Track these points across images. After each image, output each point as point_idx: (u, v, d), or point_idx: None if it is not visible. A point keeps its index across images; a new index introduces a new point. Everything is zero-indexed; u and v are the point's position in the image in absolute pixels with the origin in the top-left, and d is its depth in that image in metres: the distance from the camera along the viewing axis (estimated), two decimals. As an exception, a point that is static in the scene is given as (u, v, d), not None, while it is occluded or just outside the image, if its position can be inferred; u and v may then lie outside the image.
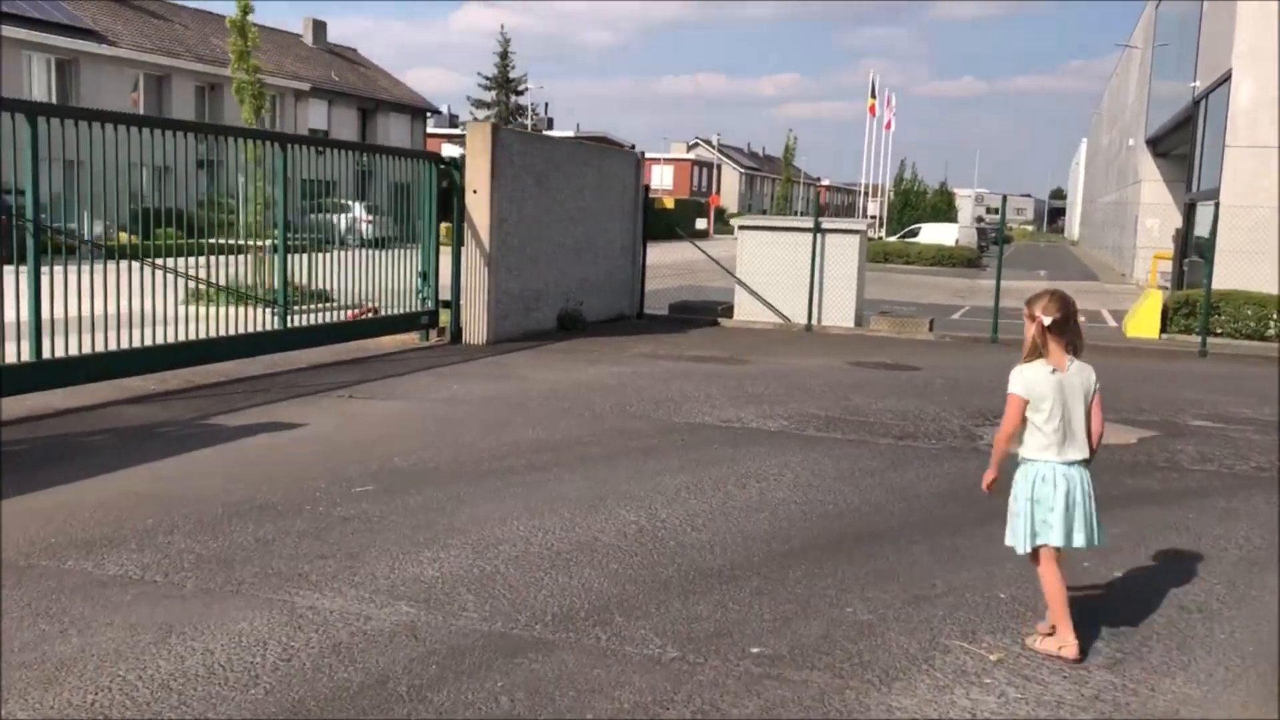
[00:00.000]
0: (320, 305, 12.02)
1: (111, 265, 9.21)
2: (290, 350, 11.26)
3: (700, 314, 17.28)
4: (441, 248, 13.49)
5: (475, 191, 13.10)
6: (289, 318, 11.27)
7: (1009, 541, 4.41)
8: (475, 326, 13.30)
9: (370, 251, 12.41)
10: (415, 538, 5.48)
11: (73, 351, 8.72)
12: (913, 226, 52.71)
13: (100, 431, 7.82)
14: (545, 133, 47.53)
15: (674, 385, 10.62)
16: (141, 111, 36.95)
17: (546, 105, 79.90)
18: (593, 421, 8.70)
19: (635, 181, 17.51)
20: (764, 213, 77.05)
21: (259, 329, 10.85)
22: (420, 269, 13.24)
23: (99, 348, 8.95)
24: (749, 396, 10.12)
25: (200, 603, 4.51)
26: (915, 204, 63.84)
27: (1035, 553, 4.35)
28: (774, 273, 16.67)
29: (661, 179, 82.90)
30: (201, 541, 5.30)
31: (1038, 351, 4.28)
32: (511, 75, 64.08)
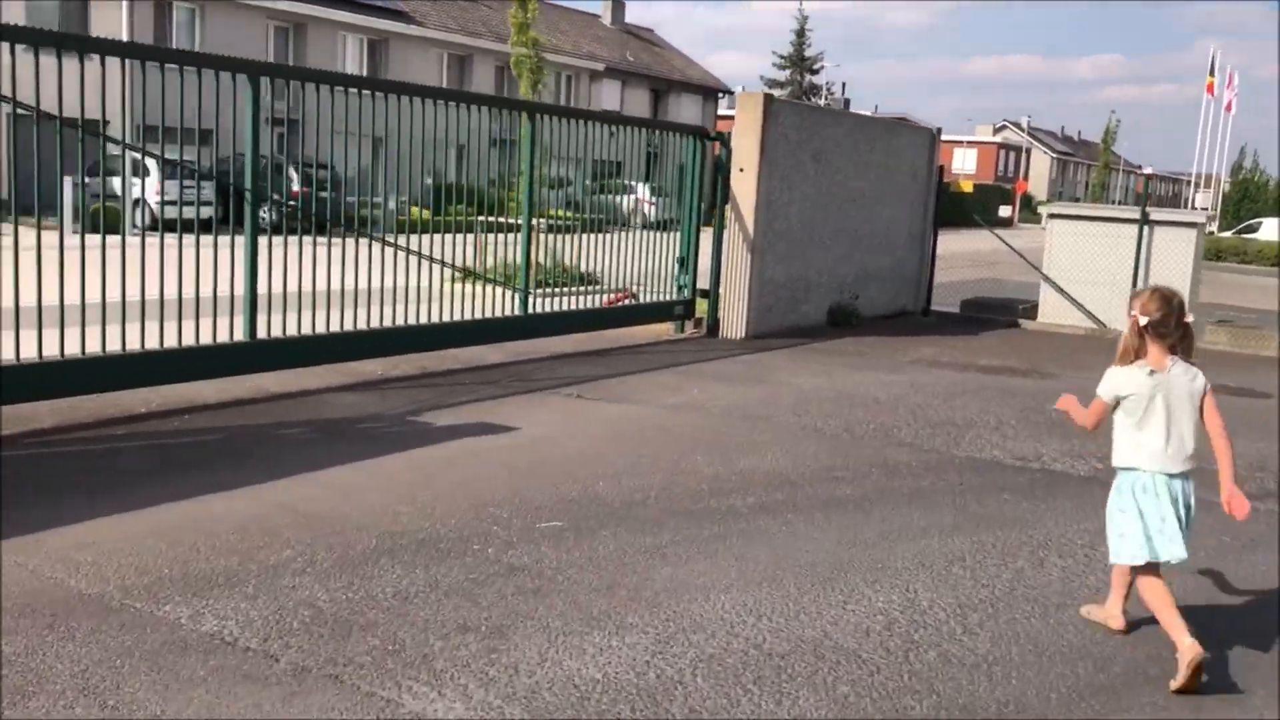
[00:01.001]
0: (572, 289, 11.16)
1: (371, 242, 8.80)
2: (533, 338, 10.40)
3: (997, 313, 15.15)
4: (705, 231, 12.30)
5: (741, 169, 11.75)
6: (530, 303, 10.43)
7: (1115, 558, 4.17)
8: (733, 319, 11.98)
9: (633, 234, 11.44)
10: (589, 608, 4.22)
11: (290, 332, 8.15)
12: (1251, 221, 46.88)
13: (298, 424, 7.09)
14: (838, 113, 45.41)
15: (956, 403, 8.87)
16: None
17: (844, 85, 77.22)
18: (848, 447, 7.16)
19: (928, 162, 15.57)
20: (1076, 201, 71.32)
21: (503, 314, 10.07)
22: (679, 253, 12.08)
23: (331, 328, 8.37)
24: (1052, 424, 8.23)
25: (282, 691, 3.44)
26: (1255, 196, 57.01)
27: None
28: (1089, 269, 14.32)
29: (963, 162, 78.48)
30: (330, 589, 4.27)
31: (1133, 354, 4.05)
32: (806, 54, 62.08)
